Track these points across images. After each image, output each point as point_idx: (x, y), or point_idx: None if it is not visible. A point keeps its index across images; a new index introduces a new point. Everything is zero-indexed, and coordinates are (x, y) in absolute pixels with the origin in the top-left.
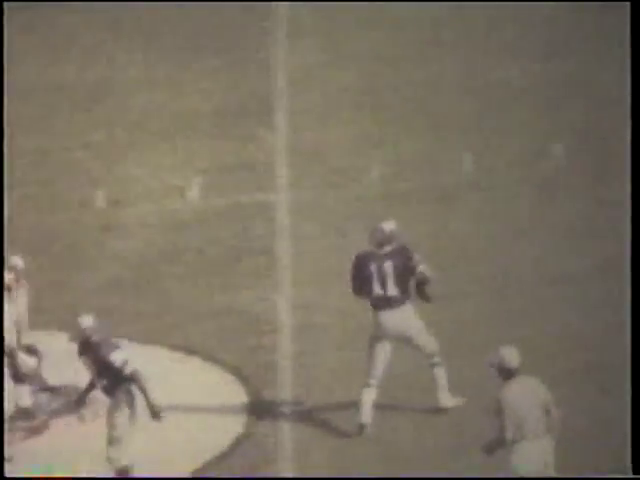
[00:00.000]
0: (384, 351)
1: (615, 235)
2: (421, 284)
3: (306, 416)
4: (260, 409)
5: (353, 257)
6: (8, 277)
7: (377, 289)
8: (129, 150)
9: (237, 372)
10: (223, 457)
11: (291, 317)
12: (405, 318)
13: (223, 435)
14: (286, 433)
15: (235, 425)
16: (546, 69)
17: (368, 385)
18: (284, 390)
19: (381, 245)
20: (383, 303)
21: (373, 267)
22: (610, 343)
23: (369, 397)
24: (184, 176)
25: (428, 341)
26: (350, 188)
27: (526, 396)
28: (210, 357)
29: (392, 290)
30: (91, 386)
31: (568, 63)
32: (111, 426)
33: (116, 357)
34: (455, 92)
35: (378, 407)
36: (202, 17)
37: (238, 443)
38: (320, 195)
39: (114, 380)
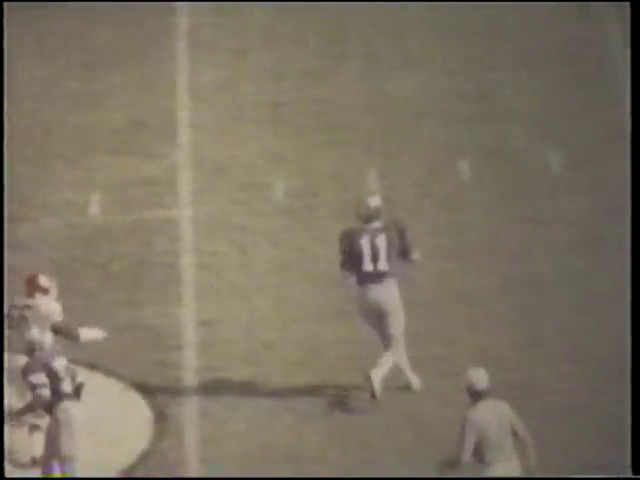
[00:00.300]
0: (376, 323)
1: (520, 252)
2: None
3: (212, 432)
4: (165, 425)
5: (340, 234)
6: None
7: (367, 264)
8: (30, 165)
9: (141, 388)
10: (127, 473)
11: (195, 333)
12: (389, 292)
13: (127, 451)
14: (192, 449)
15: (139, 441)
16: (451, 84)
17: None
18: (189, 406)
19: (367, 220)
20: (371, 278)
21: (364, 242)
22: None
23: (387, 362)
24: (86, 192)
25: (399, 332)
26: (254, 204)
27: (492, 419)
28: (113, 373)
29: (383, 265)
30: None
31: (473, 78)
32: (56, 445)
33: (35, 379)
34: (358, 108)
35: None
36: (103, 32)
37: (143, 459)
38: (223, 211)
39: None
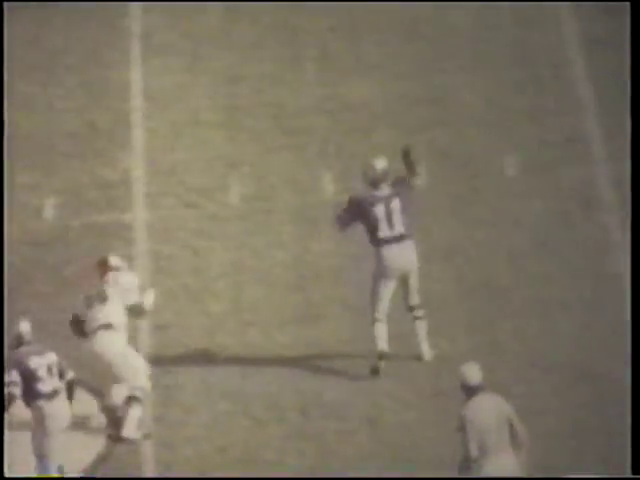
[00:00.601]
0: (387, 287)
1: (477, 257)
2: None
3: (167, 436)
4: (120, 429)
5: (349, 198)
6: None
7: (385, 230)
8: None
9: (97, 392)
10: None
11: (151, 336)
12: (409, 253)
13: (83, 454)
14: (147, 453)
15: (95, 444)
16: (407, 88)
17: (377, 320)
18: (145, 410)
19: (375, 183)
20: (390, 240)
21: (379, 209)
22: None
23: (383, 330)
24: (40, 195)
25: (417, 290)
26: (209, 208)
27: (488, 413)
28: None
29: (400, 228)
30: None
31: (428, 82)
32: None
33: (7, 376)
34: (314, 111)
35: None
36: (55, 35)
37: (99, 461)
38: (178, 214)
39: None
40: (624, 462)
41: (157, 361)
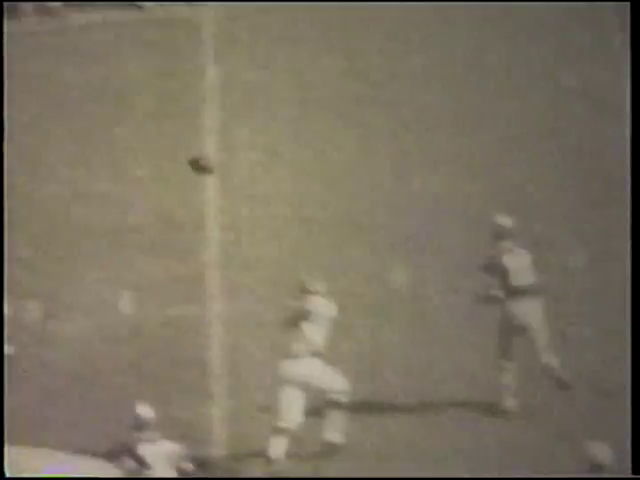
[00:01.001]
0: (513, 339)
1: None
2: None
3: None
4: None
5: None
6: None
7: (516, 279)
8: (60, 264)
9: None
10: None
11: (226, 428)
12: (537, 307)
13: None
14: None
15: None
16: (475, 185)
17: (504, 368)
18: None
19: (500, 238)
20: (520, 290)
21: (510, 259)
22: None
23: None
24: (116, 289)
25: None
26: (282, 300)
27: None
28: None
29: (529, 279)
30: None
31: (493, 177)
32: None
33: (125, 465)
34: (385, 205)
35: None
36: (134, 134)
37: None
38: (253, 308)
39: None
40: (624, 462)
41: (232, 452)
